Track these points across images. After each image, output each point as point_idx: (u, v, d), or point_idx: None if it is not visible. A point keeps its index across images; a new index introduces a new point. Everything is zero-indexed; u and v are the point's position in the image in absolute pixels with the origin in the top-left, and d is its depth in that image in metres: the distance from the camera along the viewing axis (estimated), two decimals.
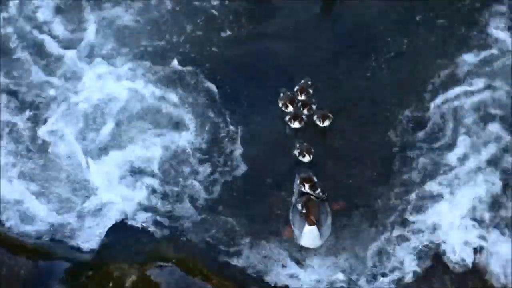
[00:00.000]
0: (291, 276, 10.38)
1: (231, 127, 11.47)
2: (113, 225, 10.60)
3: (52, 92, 12.04)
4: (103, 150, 11.61)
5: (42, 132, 11.62)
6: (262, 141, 11.42)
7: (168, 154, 11.39)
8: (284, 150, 11.38)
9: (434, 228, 10.80)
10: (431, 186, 11.23)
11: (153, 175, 11.19)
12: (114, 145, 11.70)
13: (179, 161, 11.41)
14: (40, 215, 10.69)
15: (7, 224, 10.56)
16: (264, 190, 11.22)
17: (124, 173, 11.26)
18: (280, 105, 11.31)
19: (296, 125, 11.15)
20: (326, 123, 11.01)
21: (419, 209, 11.00)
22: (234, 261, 10.31)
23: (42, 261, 9.96)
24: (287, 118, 11.30)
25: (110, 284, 9.82)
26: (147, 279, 9.78)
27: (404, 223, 10.91)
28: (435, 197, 11.12)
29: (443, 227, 10.80)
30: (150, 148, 11.43)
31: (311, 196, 10.01)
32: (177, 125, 11.66)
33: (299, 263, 10.45)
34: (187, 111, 11.46)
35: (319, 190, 10.07)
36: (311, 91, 11.53)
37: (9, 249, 9.98)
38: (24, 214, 10.71)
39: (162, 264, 9.95)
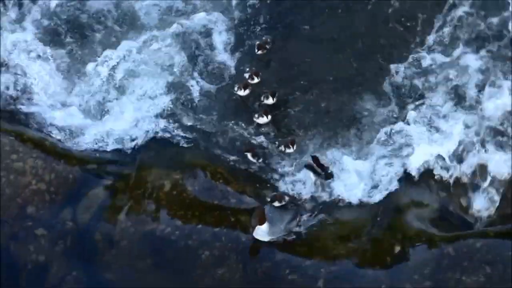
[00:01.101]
0: (300, 181, 10.66)
1: None
2: (146, 136, 10.84)
3: None
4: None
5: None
6: None
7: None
8: None
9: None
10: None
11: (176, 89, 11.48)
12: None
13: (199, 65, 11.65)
14: (80, 126, 11.05)
15: (55, 135, 10.85)
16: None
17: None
18: (235, 89, 11.20)
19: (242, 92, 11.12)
20: (290, 149, 10.52)
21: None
22: (251, 168, 10.58)
23: (86, 167, 10.41)
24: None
25: (145, 188, 10.19)
26: (176, 182, 10.20)
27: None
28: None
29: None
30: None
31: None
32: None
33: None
34: None
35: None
36: (260, 74, 11.33)
37: (58, 157, 10.37)
38: (69, 126, 11.00)
39: (187, 170, 10.40)
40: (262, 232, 9.57)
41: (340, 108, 11.40)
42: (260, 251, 9.79)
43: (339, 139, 11.07)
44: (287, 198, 9.97)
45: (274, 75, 11.63)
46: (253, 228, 9.62)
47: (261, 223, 9.52)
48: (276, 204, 9.77)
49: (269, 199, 9.85)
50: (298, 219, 9.85)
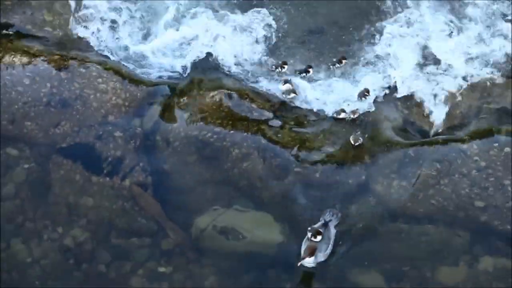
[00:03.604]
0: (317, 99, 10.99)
1: None
2: (195, 64, 11.34)
3: None
4: None
5: None
6: None
7: None
8: None
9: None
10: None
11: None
12: None
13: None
14: (146, 57, 11.50)
15: (129, 64, 11.32)
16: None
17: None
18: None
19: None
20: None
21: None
22: (271, 90, 11.09)
23: (150, 88, 10.96)
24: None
25: (192, 103, 10.76)
26: (215, 100, 10.78)
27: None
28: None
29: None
30: None
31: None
32: None
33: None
34: None
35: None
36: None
37: (131, 81, 10.91)
38: (140, 57, 11.47)
39: (224, 91, 10.90)
40: (309, 263, 9.31)
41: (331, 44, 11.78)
42: (274, 150, 10.29)
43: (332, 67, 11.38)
44: (322, 229, 9.44)
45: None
46: (301, 256, 9.29)
47: (310, 256, 9.25)
48: (316, 239, 9.31)
49: (310, 234, 9.35)
50: (331, 242, 9.50)
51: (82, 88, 10.74)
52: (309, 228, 9.40)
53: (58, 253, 9.67)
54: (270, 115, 10.73)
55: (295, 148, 10.25)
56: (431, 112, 10.87)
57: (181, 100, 10.88)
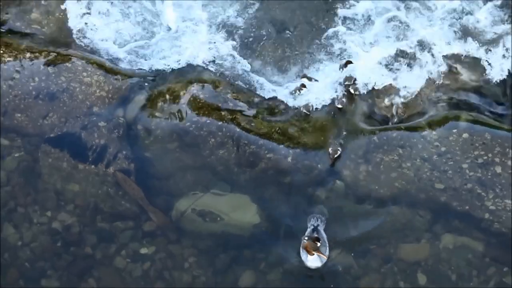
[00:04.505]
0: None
1: None
2: (175, 62, 11.20)
3: None
4: None
5: None
6: None
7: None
8: None
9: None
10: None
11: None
12: None
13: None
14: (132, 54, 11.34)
15: (113, 58, 11.22)
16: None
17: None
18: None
19: None
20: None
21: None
22: (248, 84, 11.05)
23: (133, 81, 10.85)
24: None
25: (172, 95, 10.67)
26: (193, 92, 10.69)
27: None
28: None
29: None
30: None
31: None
32: None
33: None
34: None
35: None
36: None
37: (114, 74, 10.80)
38: (115, 51, 11.33)
39: (200, 83, 10.84)
40: (313, 261, 9.31)
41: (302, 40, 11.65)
42: (248, 138, 10.22)
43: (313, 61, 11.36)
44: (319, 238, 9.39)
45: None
46: (302, 257, 9.35)
47: (311, 254, 9.25)
48: (318, 245, 9.26)
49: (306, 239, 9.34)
50: (327, 244, 9.42)
51: (68, 81, 10.68)
52: (305, 238, 9.34)
53: (47, 236, 9.77)
54: (244, 105, 10.68)
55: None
56: (393, 101, 10.82)
57: (162, 91, 10.81)
